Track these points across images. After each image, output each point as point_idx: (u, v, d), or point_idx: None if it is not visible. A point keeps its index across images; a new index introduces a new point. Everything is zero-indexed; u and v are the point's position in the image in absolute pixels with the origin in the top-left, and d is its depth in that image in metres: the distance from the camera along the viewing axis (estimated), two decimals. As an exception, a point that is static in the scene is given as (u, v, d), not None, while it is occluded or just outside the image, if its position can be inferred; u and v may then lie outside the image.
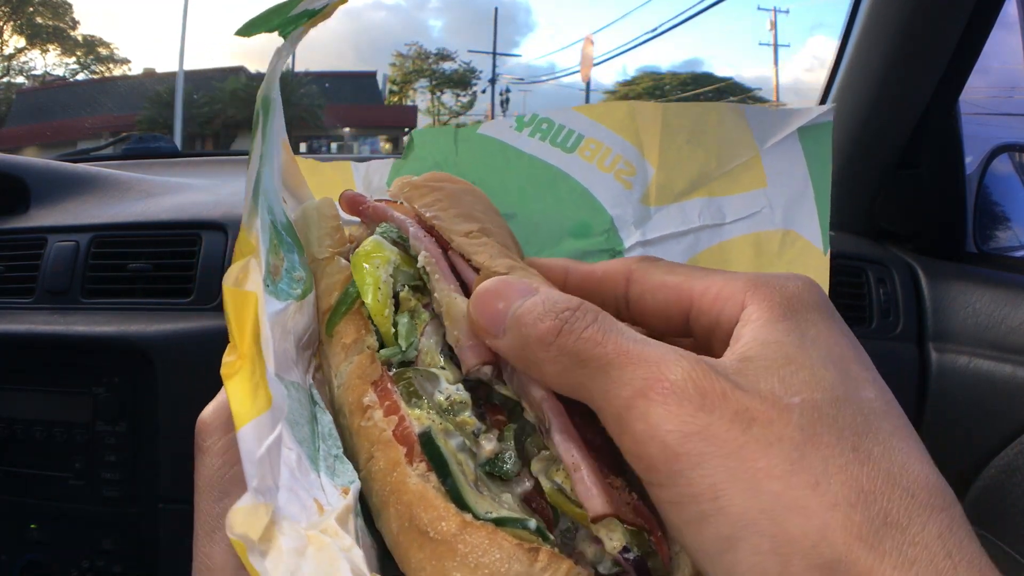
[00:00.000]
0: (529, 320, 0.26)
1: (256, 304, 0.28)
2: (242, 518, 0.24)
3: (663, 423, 0.21)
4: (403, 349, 0.35)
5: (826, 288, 0.51)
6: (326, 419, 0.34)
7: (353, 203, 0.41)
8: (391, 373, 0.35)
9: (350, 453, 0.34)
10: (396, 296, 0.37)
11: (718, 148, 0.56)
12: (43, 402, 0.78)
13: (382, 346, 0.36)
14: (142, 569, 0.78)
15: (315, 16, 0.35)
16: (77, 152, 1.57)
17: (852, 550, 0.18)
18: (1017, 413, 0.74)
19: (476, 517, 0.29)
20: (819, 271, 0.54)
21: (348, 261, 0.38)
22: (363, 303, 0.36)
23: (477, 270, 0.34)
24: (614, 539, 0.29)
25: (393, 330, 0.36)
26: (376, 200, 0.41)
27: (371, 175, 0.55)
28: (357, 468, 0.34)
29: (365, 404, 0.33)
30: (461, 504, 0.30)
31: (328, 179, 0.54)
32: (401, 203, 0.41)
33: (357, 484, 0.31)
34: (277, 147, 0.42)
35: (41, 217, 0.88)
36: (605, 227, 0.56)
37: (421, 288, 0.37)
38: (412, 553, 0.30)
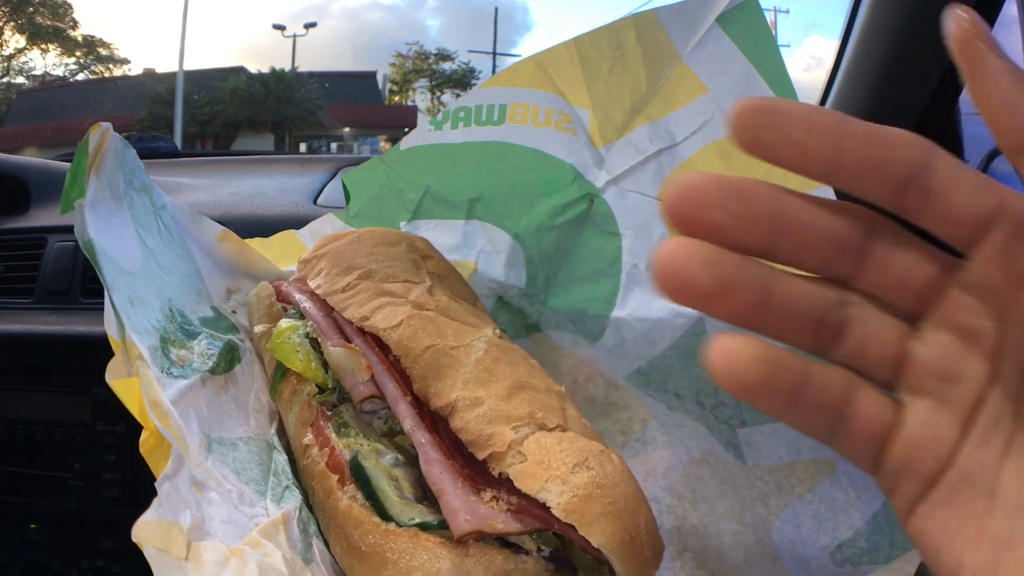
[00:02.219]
0: None
1: (139, 388, 0.32)
2: (152, 533, 0.27)
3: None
4: (334, 389, 0.39)
5: None
6: (280, 458, 0.37)
7: (277, 292, 0.47)
8: (328, 413, 0.38)
9: (305, 493, 0.37)
10: (319, 348, 0.41)
11: (644, 67, 0.53)
12: (43, 402, 0.78)
13: (320, 392, 0.39)
14: (142, 569, 0.78)
15: (86, 158, 0.37)
16: (77, 152, 1.57)
17: None
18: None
19: (399, 525, 0.31)
20: None
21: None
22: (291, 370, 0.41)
23: (350, 322, 0.40)
24: (525, 542, 0.30)
25: (325, 376, 0.40)
26: (287, 283, 0.48)
27: (316, 235, 0.58)
28: (309, 506, 0.36)
29: (305, 444, 0.37)
30: (384, 516, 0.32)
31: (280, 248, 0.57)
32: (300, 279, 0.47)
33: (296, 502, 0.34)
34: (196, 254, 0.48)
35: (41, 217, 0.88)
36: (571, 176, 0.56)
37: None
38: (355, 571, 0.32)
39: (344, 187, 0.59)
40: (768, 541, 0.45)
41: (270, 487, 0.35)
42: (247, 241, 0.54)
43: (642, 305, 0.53)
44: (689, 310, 0.51)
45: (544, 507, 0.29)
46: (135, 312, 0.35)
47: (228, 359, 0.40)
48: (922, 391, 0.18)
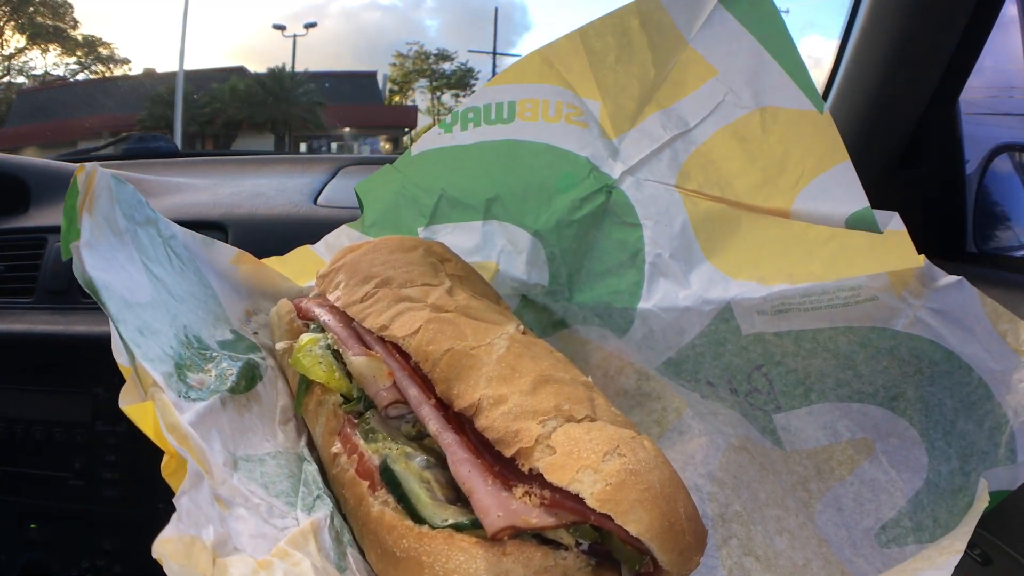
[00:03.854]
0: None
1: (153, 411, 0.32)
2: (173, 549, 0.26)
3: None
4: (359, 398, 0.39)
5: (838, 144, 0.48)
6: (311, 468, 0.37)
7: (297, 309, 0.47)
8: (355, 420, 0.38)
9: (337, 502, 0.37)
10: (341, 359, 0.41)
11: (651, 54, 0.53)
12: (43, 402, 0.78)
13: (347, 402, 0.40)
14: (142, 569, 0.78)
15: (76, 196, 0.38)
16: (77, 152, 1.57)
17: None
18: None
19: (433, 527, 0.30)
20: (820, 134, 0.49)
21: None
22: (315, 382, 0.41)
23: (371, 331, 0.40)
24: (563, 537, 0.30)
25: (350, 385, 0.40)
26: (307, 300, 0.49)
27: (332, 247, 0.58)
28: (343, 515, 0.36)
29: (333, 453, 0.37)
30: (417, 518, 0.31)
31: (298, 265, 0.58)
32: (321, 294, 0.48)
33: (326, 510, 0.34)
34: (211, 279, 0.48)
35: (41, 217, 0.88)
36: (586, 169, 0.56)
37: None
38: None
39: (357, 197, 0.59)
40: (812, 525, 0.46)
41: (300, 498, 0.35)
42: (263, 261, 0.54)
43: (668, 295, 0.53)
44: (718, 295, 0.51)
45: (578, 499, 0.29)
46: (146, 341, 0.35)
47: (249, 377, 0.40)
48: None
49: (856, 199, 0.48)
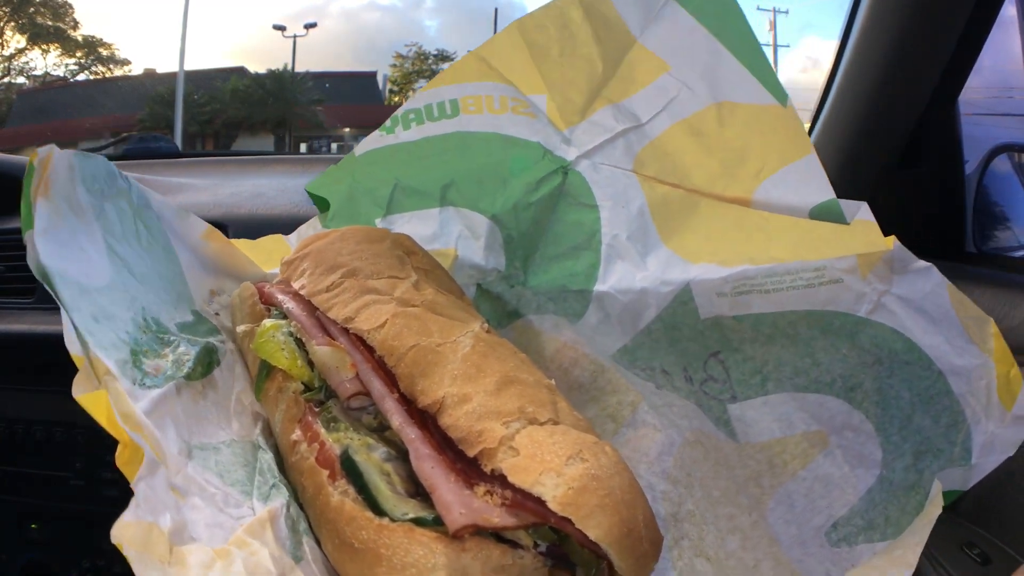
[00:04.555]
0: None
1: (106, 399, 0.32)
2: (132, 534, 0.27)
3: None
4: (321, 388, 0.39)
5: (802, 137, 0.47)
6: (266, 457, 0.37)
7: (260, 294, 0.47)
8: (316, 409, 0.38)
9: (294, 490, 0.37)
10: (303, 348, 0.41)
11: (597, 47, 0.52)
12: (43, 402, 0.77)
13: (307, 391, 0.39)
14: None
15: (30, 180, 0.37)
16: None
17: None
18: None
19: (393, 520, 0.30)
20: (782, 128, 0.48)
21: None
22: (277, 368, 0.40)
23: (335, 322, 0.39)
24: (521, 537, 0.30)
25: (311, 374, 0.40)
26: (270, 285, 0.47)
27: (302, 237, 0.57)
28: (299, 503, 0.36)
29: (293, 441, 0.37)
30: (377, 510, 0.31)
31: (266, 252, 0.56)
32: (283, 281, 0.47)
33: (283, 499, 0.33)
34: (180, 254, 0.47)
35: (41, 217, 0.88)
36: (540, 152, 0.54)
37: None
38: (348, 568, 0.31)
39: (310, 195, 0.58)
40: (764, 523, 0.45)
41: (256, 486, 0.35)
42: (233, 241, 0.54)
43: (625, 277, 0.52)
44: (677, 277, 0.50)
45: (539, 501, 0.29)
46: (100, 328, 0.34)
47: (206, 363, 0.39)
48: None
49: (821, 190, 0.46)
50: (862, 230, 0.45)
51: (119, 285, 0.38)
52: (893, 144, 0.87)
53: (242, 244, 0.55)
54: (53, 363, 0.80)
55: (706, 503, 0.45)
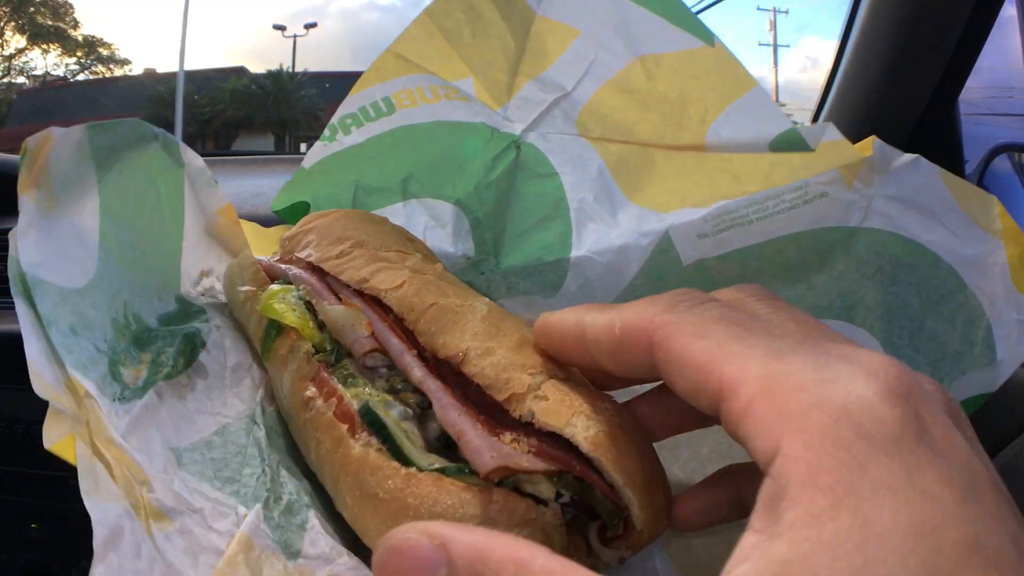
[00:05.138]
0: None
1: (74, 445, 0.31)
2: None
3: None
4: (332, 350, 0.38)
5: (740, 73, 0.45)
6: (260, 434, 0.37)
7: (260, 266, 0.46)
8: (330, 367, 0.37)
9: (302, 450, 0.36)
10: (312, 311, 0.40)
11: (505, 25, 0.51)
12: (43, 402, 0.77)
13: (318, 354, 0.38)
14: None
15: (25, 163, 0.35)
16: (77, 152, 1.57)
17: None
18: (1017, 413, 0.74)
19: (420, 470, 0.30)
20: (716, 68, 0.46)
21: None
22: (288, 327, 0.39)
23: (347, 285, 0.39)
24: (543, 490, 0.29)
25: (322, 336, 0.39)
26: (270, 259, 0.46)
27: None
28: (308, 462, 0.36)
29: (307, 397, 0.35)
30: (404, 461, 0.30)
31: (272, 239, 0.55)
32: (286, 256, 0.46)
33: (257, 508, 0.32)
34: (190, 226, 0.46)
35: (41, 217, 0.88)
36: (488, 132, 0.54)
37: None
38: (369, 520, 0.30)
39: (279, 214, 0.57)
40: None
41: (242, 482, 0.33)
42: (243, 223, 0.52)
43: (600, 238, 0.50)
44: (654, 227, 0.47)
45: (568, 445, 0.28)
46: (79, 343, 0.33)
47: (188, 352, 0.38)
48: None
49: (777, 121, 0.44)
50: (835, 148, 0.42)
51: (104, 279, 0.36)
52: (893, 144, 0.87)
53: (250, 228, 0.53)
54: (53, 363, 0.80)
55: (695, 463, 0.43)
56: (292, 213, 0.57)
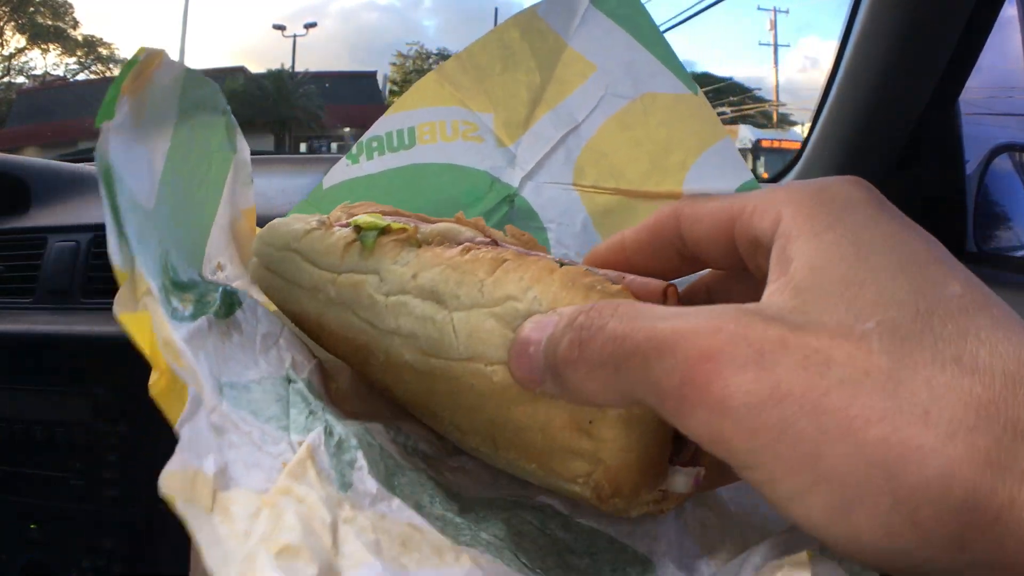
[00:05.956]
0: (552, 348, 0.22)
1: (150, 322, 0.29)
2: (178, 484, 0.24)
3: (725, 401, 0.17)
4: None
5: (715, 122, 0.51)
6: (298, 387, 0.36)
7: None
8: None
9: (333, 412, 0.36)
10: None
11: (534, 59, 0.56)
12: (43, 402, 0.77)
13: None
14: (142, 569, 0.78)
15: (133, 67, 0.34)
16: (77, 152, 1.57)
17: (985, 481, 0.15)
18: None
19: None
20: (697, 115, 0.51)
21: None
22: (396, 228, 0.37)
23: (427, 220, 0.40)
24: None
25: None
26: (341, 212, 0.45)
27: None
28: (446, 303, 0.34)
29: (466, 246, 0.34)
30: None
31: None
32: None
33: (319, 427, 0.32)
34: (220, 217, 0.46)
35: (41, 217, 0.88)
36: (487, 183, 0.57)
37: None
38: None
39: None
40: None
41: (291, 419, 0.33)
42: (259, 231, 0.53)
43: None
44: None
45: None
46: (143, 249, 0.32)
47: (228, 304, 0.37)
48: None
49: (740, 173, 0.49)
50: None
51: (159, 216, 0.36)
52: (893, 144, 0.87)
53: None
54: (53, 363, 0.81)
55: None
56: None
